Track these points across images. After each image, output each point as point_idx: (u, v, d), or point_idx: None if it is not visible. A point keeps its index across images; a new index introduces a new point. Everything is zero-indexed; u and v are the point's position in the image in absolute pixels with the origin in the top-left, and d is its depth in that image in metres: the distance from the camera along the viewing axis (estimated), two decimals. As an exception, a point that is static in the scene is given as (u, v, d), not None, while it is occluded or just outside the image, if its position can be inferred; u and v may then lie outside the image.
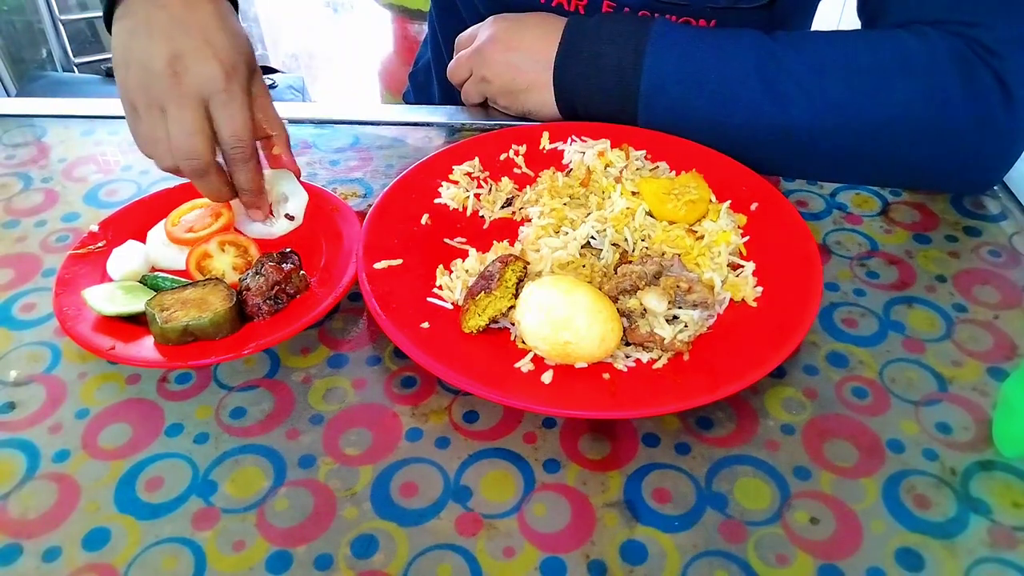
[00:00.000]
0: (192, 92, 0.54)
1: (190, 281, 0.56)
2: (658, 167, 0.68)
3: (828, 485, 0.47)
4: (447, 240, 0.62)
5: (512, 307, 0.53)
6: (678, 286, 0.53)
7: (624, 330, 0.52)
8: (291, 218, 0.62)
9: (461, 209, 0.65)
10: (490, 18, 0.74)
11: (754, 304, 0.55)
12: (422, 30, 1.55)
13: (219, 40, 0.55)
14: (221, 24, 0.56)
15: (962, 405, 0.51)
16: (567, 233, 0.59)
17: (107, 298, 0.54)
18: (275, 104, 0.62)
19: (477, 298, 0.52)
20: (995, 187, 0.69)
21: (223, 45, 0.55)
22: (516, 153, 0.69)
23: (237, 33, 0.57)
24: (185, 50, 0.54)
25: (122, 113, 0.81)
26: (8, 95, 1.76)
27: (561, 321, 0.49)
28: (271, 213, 0.63)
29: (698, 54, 0.66)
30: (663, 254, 0.57)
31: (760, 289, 0.56)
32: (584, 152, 0.68)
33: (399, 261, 0.58)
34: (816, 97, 0.63)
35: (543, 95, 0.72)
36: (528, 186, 0.67)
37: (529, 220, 0.62)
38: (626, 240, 0.59)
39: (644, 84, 0.66)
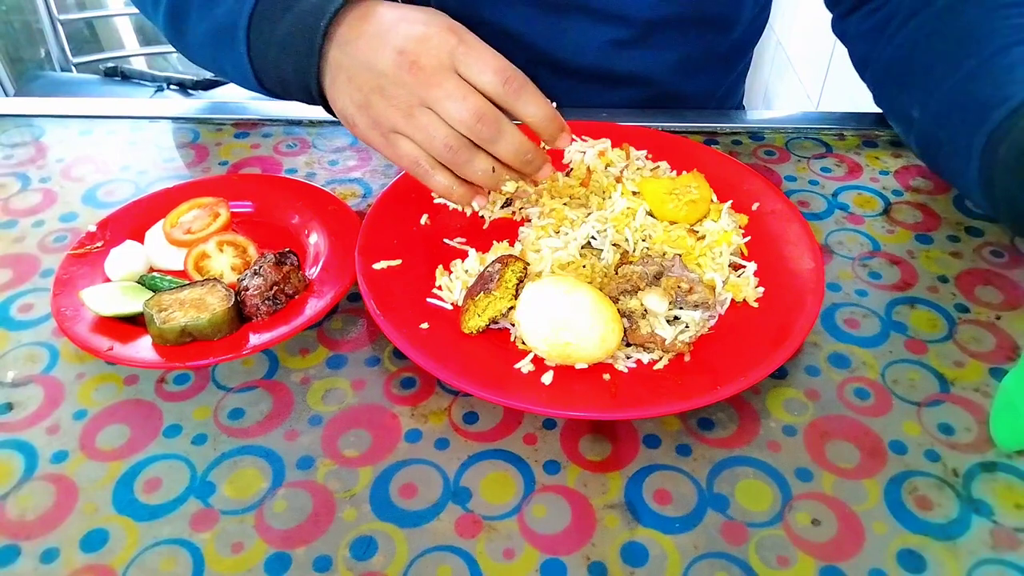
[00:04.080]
0: (437, 64, 0.52)
1: (188, 281, 0.56)
2: (659, 167, 0.67)
3: (830, 486, 0.46)
4: (446, 240, 0.62)
5: (512, 308, 0.52)
6: (679, 287, 0.52)
7: (625, 331, 0.52)
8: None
9: (461, 209, 0.65)
10: None
11: (755, 305, 0.55)
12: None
13: (413, 16, 0.54)
14: (398, 12, 0.55)
15: (964, 406, 0.51)
16: (567, 233, 0.59)
17: (105, 298, 0.54)
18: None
19: (477, 299, 0.52)
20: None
21: (421, 17, 0.54)
22: (516, 153, 0.69)
23: (414, 6, 0.56)
24: (400, 45, 0.53)
25: (121, 112, 0.81)
26: (6, 95, 1.75)
27: (561, 322, 0.49)
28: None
29: None
30: (664, 254, 0.57)
31: (761, 289, 0.56)
32: (584, 152, 0.68)
33: (398, 261, 0.58)
34: None
35: None
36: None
37: (529, 220, 0.62)
38: (627, 240, 0.59)
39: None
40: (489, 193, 0.59)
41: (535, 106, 0.54)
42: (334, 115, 0.60)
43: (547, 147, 0.57)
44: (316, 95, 0.59)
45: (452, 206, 0.64)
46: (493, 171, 0.55)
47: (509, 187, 0.57)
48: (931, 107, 0.63)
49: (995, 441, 0.48)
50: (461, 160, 0.54)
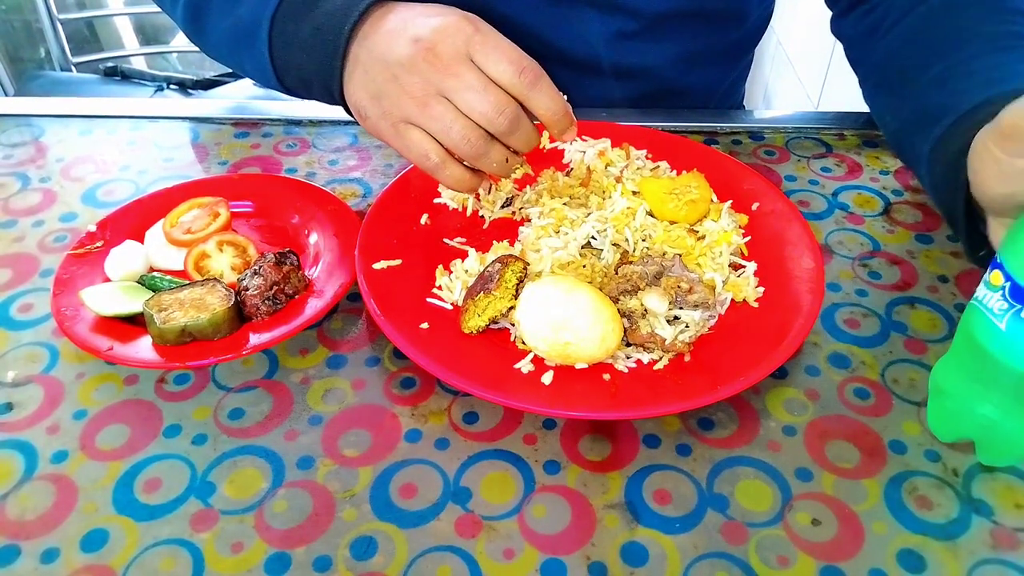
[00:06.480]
0: (454, 53, 0.52)
1: (188, 281, 0.56)
2: (659, 167, 0.67)
3: (830, 486, 0.46)
4: (446, 240, 0.62)
5: (512, 308, 0.52)
6: (679, 286, 0.52)
7: (625, 331, 0.52)
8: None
9: (460, 209, 0.65)
10: None
11: (755, 304, 0.55)
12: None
13: (430, 11, 0.54)
14: (416, 9, 0.55)
15: (964, 406, 0.51)
16: (567, 233, 0.59)
17: (105, 298, 0.54)
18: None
19: (477, 298, 0.52)
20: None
21: (437, 11, 0.54)
22: (516, 153, 0.69)
23: (430, 4, 0.56)
24: (416, 34, 0.53)
25: (120, 112, 0.80)
26: (6, 94, 1.75)
27: (561, 322, 0.49)
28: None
29: None
30: (664, 254, 0.57)
31: (761, 289, 0.56)
32: (584, 152, 0.68)
33: (398, 261, 0.58)
34: None
35: None
36: (528, 186, 0.66)
37: (529, 220, 0.62)
38: (627, 240, 0.59)
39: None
40: (492, 185, 0.58)
41: (549, 98, 0.53)
42: (353, 115, 0.60)
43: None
44: (338, 96, 0.59)
45: (452, 205, 0.64)
46: (507, 161, 0.55)
47: (517, 173, 0.57)
48: (900, 111, 0.63)
49: (934, 435, 0.48)
50: (478, 152, 0.53)
